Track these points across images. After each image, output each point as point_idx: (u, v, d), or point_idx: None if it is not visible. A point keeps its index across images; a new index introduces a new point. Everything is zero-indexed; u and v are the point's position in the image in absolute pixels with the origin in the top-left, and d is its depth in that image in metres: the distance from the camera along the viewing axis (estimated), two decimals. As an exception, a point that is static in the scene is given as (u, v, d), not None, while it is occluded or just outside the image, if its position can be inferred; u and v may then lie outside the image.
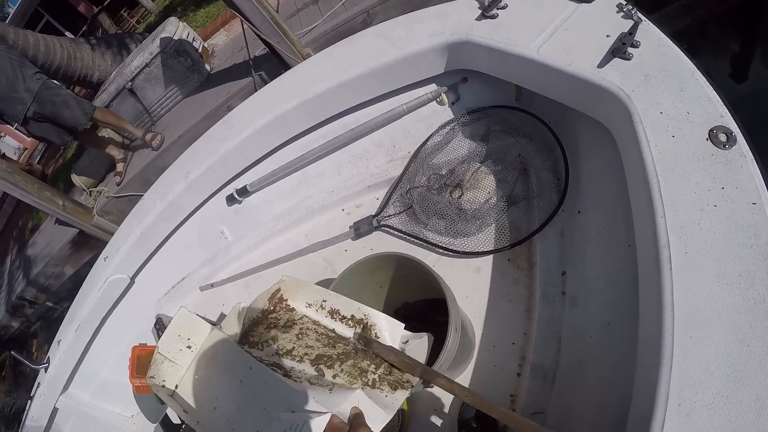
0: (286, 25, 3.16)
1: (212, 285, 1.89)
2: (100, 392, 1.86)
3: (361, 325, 1.00)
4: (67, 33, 11.99)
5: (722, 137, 0.90)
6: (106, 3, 12.20)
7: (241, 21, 3.10)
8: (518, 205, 1.48)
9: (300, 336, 0.97)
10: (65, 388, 1.75)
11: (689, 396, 0.70)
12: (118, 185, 4.21)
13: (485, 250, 1.45)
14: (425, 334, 0.98)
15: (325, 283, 1.18)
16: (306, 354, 0.93)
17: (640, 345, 0.87)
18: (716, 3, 3.28)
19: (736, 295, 0.74)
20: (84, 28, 12.21)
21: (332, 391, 0.82)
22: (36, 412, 1.65)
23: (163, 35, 4.18)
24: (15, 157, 11.39)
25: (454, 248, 1.49)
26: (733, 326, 0.72)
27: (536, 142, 1.50)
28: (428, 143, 1.65)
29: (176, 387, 0.87)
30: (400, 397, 0.85)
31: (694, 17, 3.29)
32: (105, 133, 4.33)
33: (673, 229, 0.84)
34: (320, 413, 0.73)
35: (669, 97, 1.01)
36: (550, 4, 1.37)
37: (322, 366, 0.90)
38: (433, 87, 1.65)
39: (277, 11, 3.20)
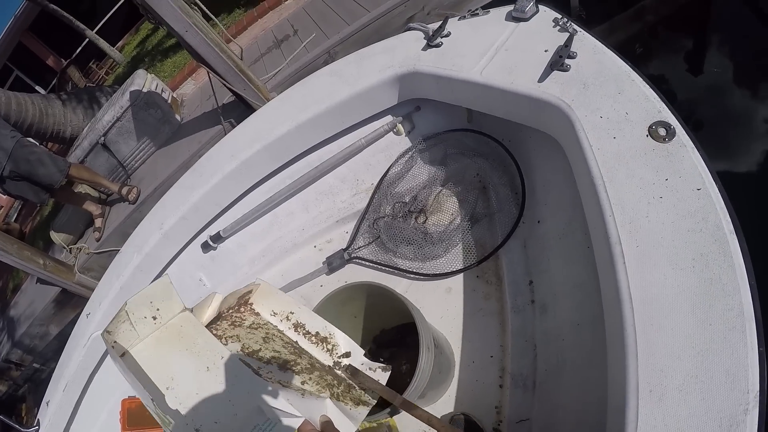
0: (251, 71, 3.19)
1: (194, 333, 1.86)
2: (93, 453, 1.79)
3: (324, 344, 0.98)
4: (37, 87, 11.80)
5: (662, 131, 0.93)
6: (74, 56, 12.12)
7: (207, 72, 3.16)
8: (481, 222, 1.50)
9: (266, 339, 0.94)
10: (57, 451, 1.68)
11: (659, 381, 0.70)
12: (97, 241, 4.12)
13: (454, 270, 1.46)
14: (385, 366, 0.95)
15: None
16: (273, 357, 0.89)
17: (608, 340, 0.88)
18: (663, 5, 3.42)
19: (692, 277, 0.76)
20: (54, 82, 11.89)
21: (304, 396, 0.79)
22: (29, 479, 1.59)
23: (132, 89, 4.17)
24: (-9, 217, 11.08)
25: (424, 272, 1.50)
26: (693, 308, 0.73)
27: (492, 160, 1.52)
28: (389, 173, 1.67)
29: (124, 354, 0.80)
30: (363, 412, 0.84)
31: (645, 22, 3.43)
32: (81, 189, 4.26)
33: (622, 225, 0.86)
34: (293, 416, 0.70)
35: (607, 101, 1.04)
36: (490, 26, 1.42)
37: (290, 371, 0.87)
38: (389, 119, 1.68)
39: (242, 58, 3.25)
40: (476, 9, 1.53)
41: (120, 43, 11.63)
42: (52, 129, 4.97)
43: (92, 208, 4.11)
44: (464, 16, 1.53)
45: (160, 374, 0.76)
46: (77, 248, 4.19)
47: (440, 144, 1.63)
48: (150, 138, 4.42)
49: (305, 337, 1.00)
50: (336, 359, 0.97)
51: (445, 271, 1.47)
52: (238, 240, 1.87)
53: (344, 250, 1.67)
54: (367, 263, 1.63)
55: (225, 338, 0.90)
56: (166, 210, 1.75)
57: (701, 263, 0.77)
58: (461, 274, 1.47)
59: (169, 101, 4.47)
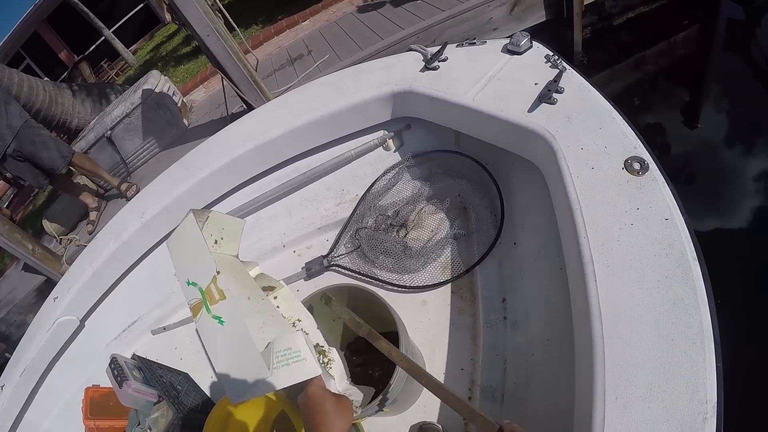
0: (264, 84, 3.24)
1: (164, 328, 1.80)
2: (45, 443, 1.67)
3: (322, 356, 0.96)
4: (46, 78, 11.79)
5: (636, 166, 0.97)
6: (87, 52, 11.90)
7: (222, 78, 3.17)
8: (459, 240, 1.49)
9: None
10: (7, 437, 1.57)
11: (624, 389, 0.72)
12: (90, 234, 4.04)
13: (430, 283, 1.44)
14: (369, 388, 0.98)
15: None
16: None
17: (576, 352, 0.89)
18: (663, 56, 3.58)
19: (656, 297, 0.79)
20: (64, 75, 11.59)
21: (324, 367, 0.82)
22: (-25, 464, 1.49)
23: (145, 87, 4.16)
24: (-19, 201, 10.80)
25: (402, 284, 1.47)
26: (657, 324, 0.76)
27: (474, 183, 1.52)
28: (375, 186, 1.65)
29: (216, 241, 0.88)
30: None
31: (645, 72, 3.58)
32: (80, 180, 4.22)
33: (595, 246, 0.89)
34: (313, 364, 0.72)
35: (589, 134, 1.08)
36: (485, 56, 1.45)
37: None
38: (379, 133, 1.68)
39: (256, 70, 3.30)
40: (474, 38, 1.56)
41: (134, 47, 11.73)
42: (59, 118, 4.92)
43: (89, 200, 4.02)
44: (462, 44, 1.56)
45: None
46: (68, 239, 4.10)
47: (426, 163, 1.62)
48: (156, 138, 4.39)
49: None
50: (327, 374, 0.95)
51: (422, 284, 1.45)
52: (218, 237, 1.83)
53: (324, 257, 1.63)
54: (346, 271, 1.59)
55: None
56: (149, 200, 1.71)
57: (665, 285, 0.80)
58: (437, 289, 1.45)
59: (179, 105, 4.49)
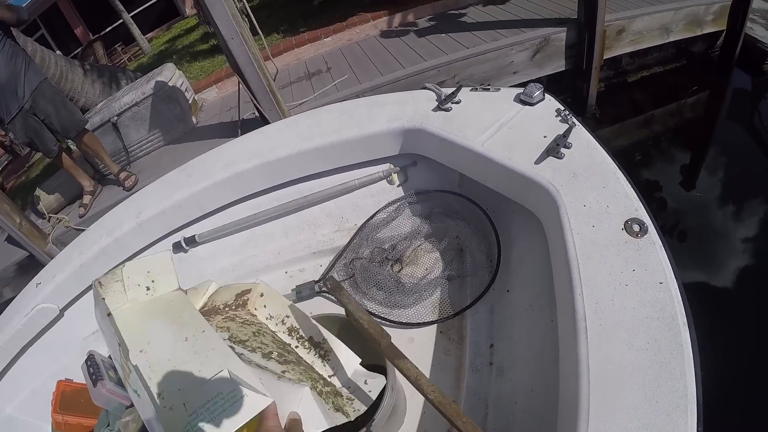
0: (280, 94, 3.25)
1: (146, 331, 1.80)
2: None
3: (318, 349, 0.97)
4: (58, 52, 11.77)
5: (636, 227, 0.99)
6: (103, 33, 11.90)
7: (238, 82, 3.18)
8: (453, 282, 1.48)
9: (256, 334, 0.92)
10: (-34, 418, 1.51)
11: None
12: (80, 217, 3.97)
13: (419, 321, 1.43)
14: (382, 377, 0.95)
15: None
16: (259, 347, 0.88)
17: (560, 406, 0.90)
18: (671, 117, 3.69)
19: (645, 359, 0.79)
20: (77, 51, 11.61)
21: (280, 379, 0.77)
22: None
23: (159, 78, 4.16)
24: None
25: (391, 318, 1.46)
26: (642, 386, 0.76)
27: (473, 226, 1.53)
28: (375, 218, 1.65)
29: (109, 314, 0.77)
30: (338, 419, 0.81)
31: (652, 130, 3.68)
32: (80, 159, 4.16)
33: (589, 304, 0.90)
34: (261, 394, 0.63)
35: (592, 192, 1.10)
36: (498, 104, 1.48)
37: (273, 360, 0.84)
38: (385, 166, 1.69)
39: (274, 80, 3.31)
40: (488, 84, 1.59)
41: (150, 35, 11.67)
42: (66, 94, 4.84)
43: (86, 183, 3.96)
44: (476, 89, 1.58)
45: (137, 338, 0.73)
46: (57, 218, 4.05)
47: (428, 201, 1.63)
48: (162, 131, 4.36)
49: (298, 341, 0.99)
50: (328, 365, 0.96)
51: (411, 321, 1.44)
52: (211, 249, 1.81)
53: (316, 282, 1.62)
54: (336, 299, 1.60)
55: (216, 328, 0.87)
56: (148, 201, 1.70)
57: (654, 347, 0.81)
58: (426, 327, 1.44)
59: (190, 102, 4.48)
